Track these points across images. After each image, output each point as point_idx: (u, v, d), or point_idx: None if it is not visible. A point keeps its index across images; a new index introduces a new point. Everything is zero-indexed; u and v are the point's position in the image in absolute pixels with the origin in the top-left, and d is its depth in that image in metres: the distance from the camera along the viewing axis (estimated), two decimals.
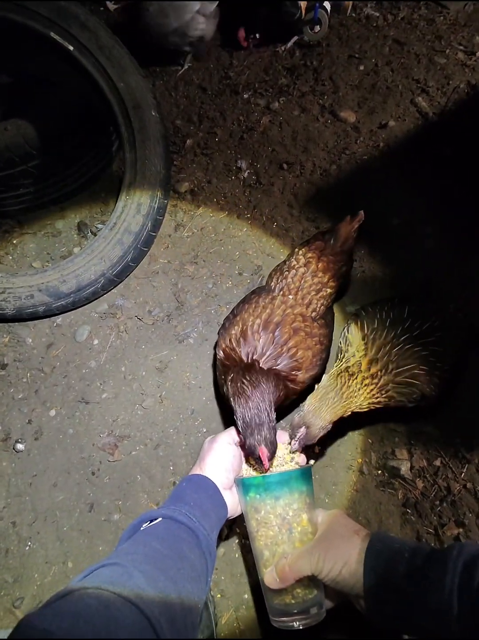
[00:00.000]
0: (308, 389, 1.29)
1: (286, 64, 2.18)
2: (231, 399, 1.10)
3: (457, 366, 1.34)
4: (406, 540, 0.88)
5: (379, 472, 1.48)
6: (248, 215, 1.90)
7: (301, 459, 1.13)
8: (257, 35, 2.09)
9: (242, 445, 1.09)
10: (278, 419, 1.53)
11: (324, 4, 1.96)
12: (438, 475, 1.44)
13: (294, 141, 2.00)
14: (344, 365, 1.23)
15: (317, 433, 1.10)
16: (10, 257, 1.88)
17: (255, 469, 1.12)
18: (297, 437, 1.09)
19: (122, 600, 0.65)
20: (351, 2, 1.98)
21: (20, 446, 1.54)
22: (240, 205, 1.92)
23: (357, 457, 1.50)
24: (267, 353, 1.21)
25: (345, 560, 0.86)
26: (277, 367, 1.20)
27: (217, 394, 1.60)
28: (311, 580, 0.94)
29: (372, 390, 1.21)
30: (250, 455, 1.07)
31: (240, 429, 1.06)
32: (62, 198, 1.93)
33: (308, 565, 0.88)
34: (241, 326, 1.24)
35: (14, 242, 1.91)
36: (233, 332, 1.25)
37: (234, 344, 1.23)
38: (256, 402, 1.05)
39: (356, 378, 1.20)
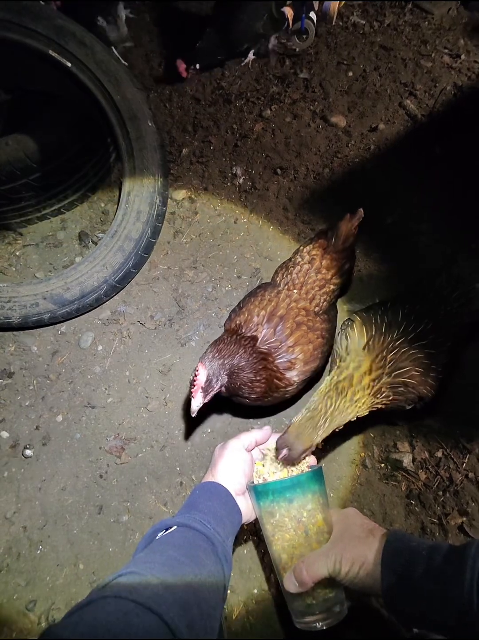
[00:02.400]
0: (309, 383, 1.33)
1: (276, 72, 2.24)
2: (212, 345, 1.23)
3: (448, 367, 1.36)
4: (423, 539, 0.88)
5: (382, 465, 1.50)
6: (245, 220, 1.95)
7: (311, 460, 1.14)
8: (197, 66, 2.14)
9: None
10: (273, 412, 1.57)
11: (310, 14, 2.02)
12: (440, 466, 1.46)
13: (287, 147, 2.05)
14: (335, 379, 1.21)
15: (298, 456, 1.09)
16: (14, 269, 1.92)
17: (270, 472, 1.13)
18: (280, 458, 1.09)
19: (141, 607, 0.66)
20: (336, 10, 2.04)
21: (28, 452, 1.56)
22: (236, 211, 1.97)
23: (359, 451, 1.53)
24: (268, 343, 1.26)
25: (362, 562, 0.86)
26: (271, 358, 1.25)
27: None
28: (330, 580, 0.94)
29: (365, 401, 1.21)
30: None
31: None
32: (63, 209, 1.98)
33: (326, 568, 0.89)
34: (246, 316, 1.30)
35: (17, 253, 1.95)
36: (238, 321, 1.30)
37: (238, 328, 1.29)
38: (227, 354, 1.19)
39: (345, 395, 1.18)
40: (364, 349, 1.28)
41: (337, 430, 1.20)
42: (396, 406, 1.28)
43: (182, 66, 2.07)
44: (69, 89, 1.69)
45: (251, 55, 2.21)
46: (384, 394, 1.24)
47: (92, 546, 1.44)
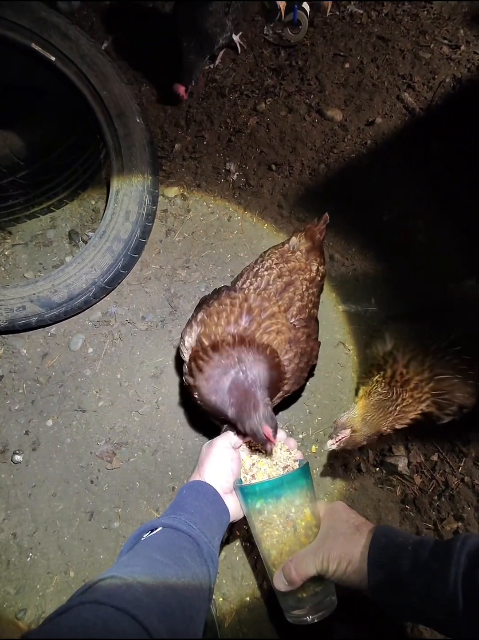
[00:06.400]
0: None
1: (271, 64, 2.18)
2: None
3: None
4: (410, 534, 0.88)
5: (377, 469, 1.48)
6: (238, 218, 1.90)
7: (298, 454, 1.12)
8: (193, 82, 2.04)
9: (241, 432, 1.05)
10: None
11: (302, 5, 1.96)
12: (436, 470, 1.44)
13: (282, 142, 2.00)
14: (388, 375, 1.20)
15: (361, 441, 1.06)
16: (2, 269, 1.88)
17: (258, 469, 1.11)
18: (339, 438, 1.05)
19: (121, 612, 0.65)
20: (330, 2, 1.97)
21: (18, 457, 1.54)
22: (230, 208, 1.93)
23: (355, 455, 1.50)
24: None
25: (349, 560, 0.86)
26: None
27: None
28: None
29: (415, 406, 1.20)
30: (254, 437, 1.03)
31: (232, 417, 1.04)
32: (52, 207, 1.93)
33: (314, 567, 0.89)
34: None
35: (6, 253, 1.91)
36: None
37: None
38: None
39: (406, 390, 1.18)
40: (399, 352, 1.26)
41: (392, 430, 1.18)
42: (436, 417, 1.25)
43: (181, 90, 1.98)
44: (57, 85, 1.63)
45: (237, 39, 2.14)
46: (424, 403, 1.22)
47: (83, 553, 1.42)
